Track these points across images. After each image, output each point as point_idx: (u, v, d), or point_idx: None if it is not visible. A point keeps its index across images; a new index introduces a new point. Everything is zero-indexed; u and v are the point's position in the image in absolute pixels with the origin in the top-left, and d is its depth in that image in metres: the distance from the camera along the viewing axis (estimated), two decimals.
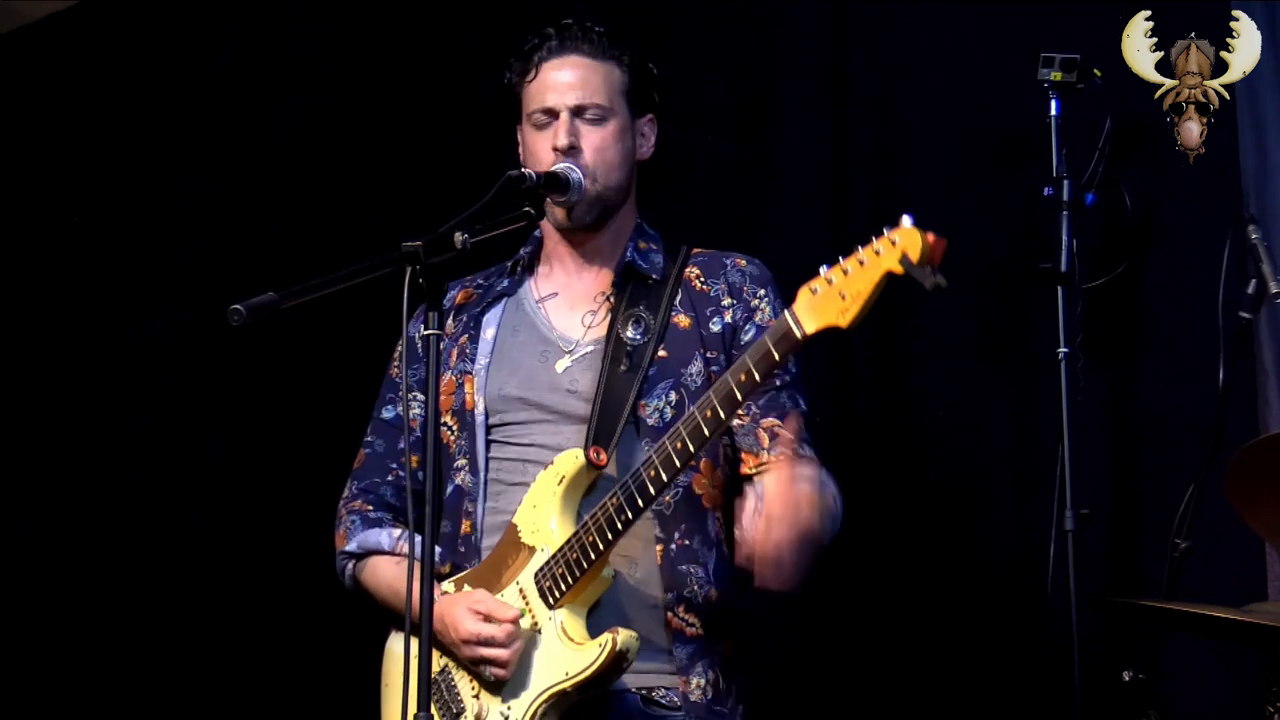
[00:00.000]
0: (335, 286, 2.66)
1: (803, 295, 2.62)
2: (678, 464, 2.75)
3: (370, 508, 3.13)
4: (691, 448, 2.74)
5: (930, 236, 2.49)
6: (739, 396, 2.69)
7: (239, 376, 4.77)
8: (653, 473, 2.77)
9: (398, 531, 3.09)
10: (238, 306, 2.55)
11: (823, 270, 2.60)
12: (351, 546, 3.11)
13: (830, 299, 2.58)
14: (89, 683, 4.78)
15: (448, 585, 3.00)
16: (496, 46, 4.48)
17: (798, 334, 2.62)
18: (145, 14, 5.06)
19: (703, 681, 2.92)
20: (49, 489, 4.97)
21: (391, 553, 3.07)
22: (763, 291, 3.06)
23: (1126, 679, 3.35)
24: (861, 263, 2.55)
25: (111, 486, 4.88)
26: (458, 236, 2.66)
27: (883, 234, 2.54)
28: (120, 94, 5.07)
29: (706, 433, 2.73)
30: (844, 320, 2.57)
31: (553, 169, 2.99)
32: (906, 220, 2.51)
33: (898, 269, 2.51)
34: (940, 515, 3.98)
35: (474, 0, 4.68)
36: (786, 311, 2.64)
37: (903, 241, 2.50)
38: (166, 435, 4.88)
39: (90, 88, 5.10)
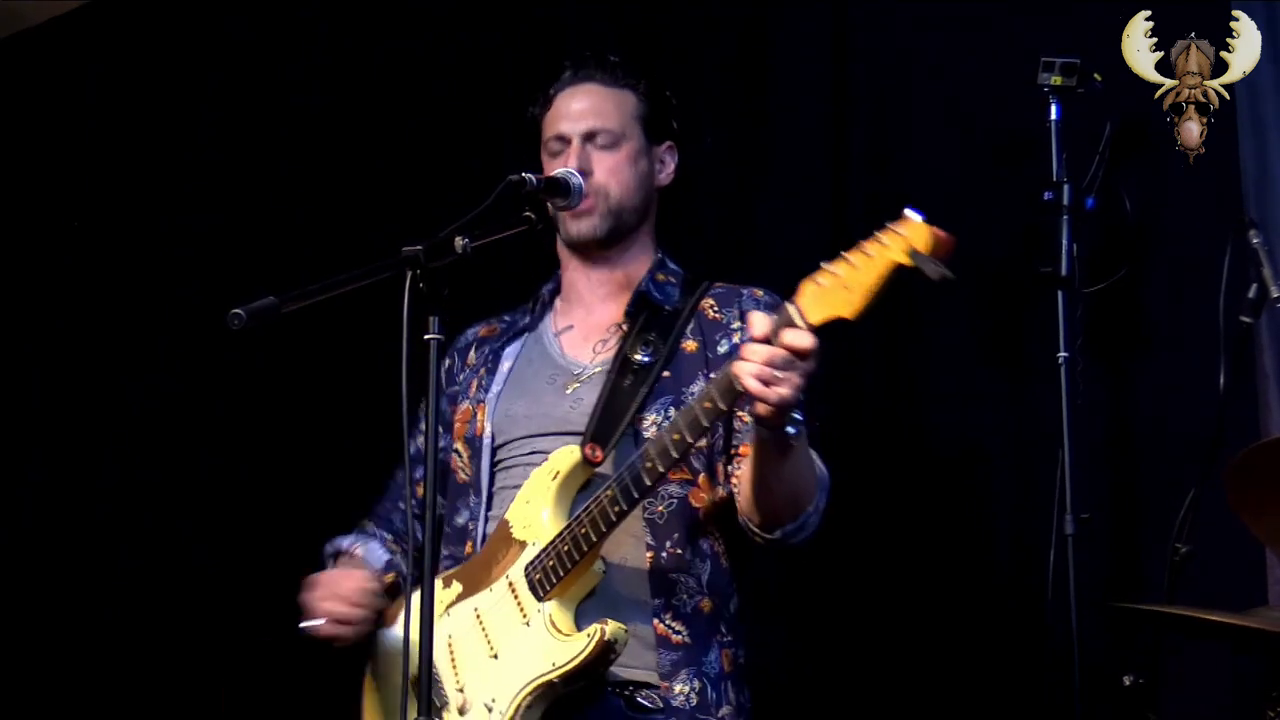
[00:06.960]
0: (336, 291, 2.67)
1: (807, 287, 2.59)
2: (674, 455, 2.75)
3: (371, 525, 3.22)
4: (689, 438, 2.73)
5: (940, 233, 2.49)
6: (737, 388, 2.66)
7: (239, 377, 4.77)
8: (649, 464, 2.76)
9: (376, 545, 3.15)
10: (238, 310, 2.56)
11: (824, 264, 2.58)
12: (328, 549, 3.19)
13: (835, 291, 2.55)
14: (89, 682, 4.78)
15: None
16: (502, 52, 4.52)
17: (801, 324, 2.59)
18: (147, 17, 5.07)
19: (687, 689, 2.90)
20: (49, 489, 4.97)
21: (347, 552, 3.16)
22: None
23: (1127, 684, 3.35)
24: (868, 255, 2.53)
25: (112, 485, 4.88)
26: (458, 241, 2.67)
27: (886, 227, 2.53)
28: (122, 97, 5.07)
29: (704, 424, 2.72)
30: (849, 311, 2.55)
31: (553, 173, 3.00)
32: (914, 215, 2.50)
33: (906, 261, 2.49)
34: (941, 519, 3.97)
35: (480, 5, 4.69)
36: (788, 303, 2.61)
37: (911, 235, 2.49)
38: (167, 435, 4.88)
39: (92, 91, 5.11)
